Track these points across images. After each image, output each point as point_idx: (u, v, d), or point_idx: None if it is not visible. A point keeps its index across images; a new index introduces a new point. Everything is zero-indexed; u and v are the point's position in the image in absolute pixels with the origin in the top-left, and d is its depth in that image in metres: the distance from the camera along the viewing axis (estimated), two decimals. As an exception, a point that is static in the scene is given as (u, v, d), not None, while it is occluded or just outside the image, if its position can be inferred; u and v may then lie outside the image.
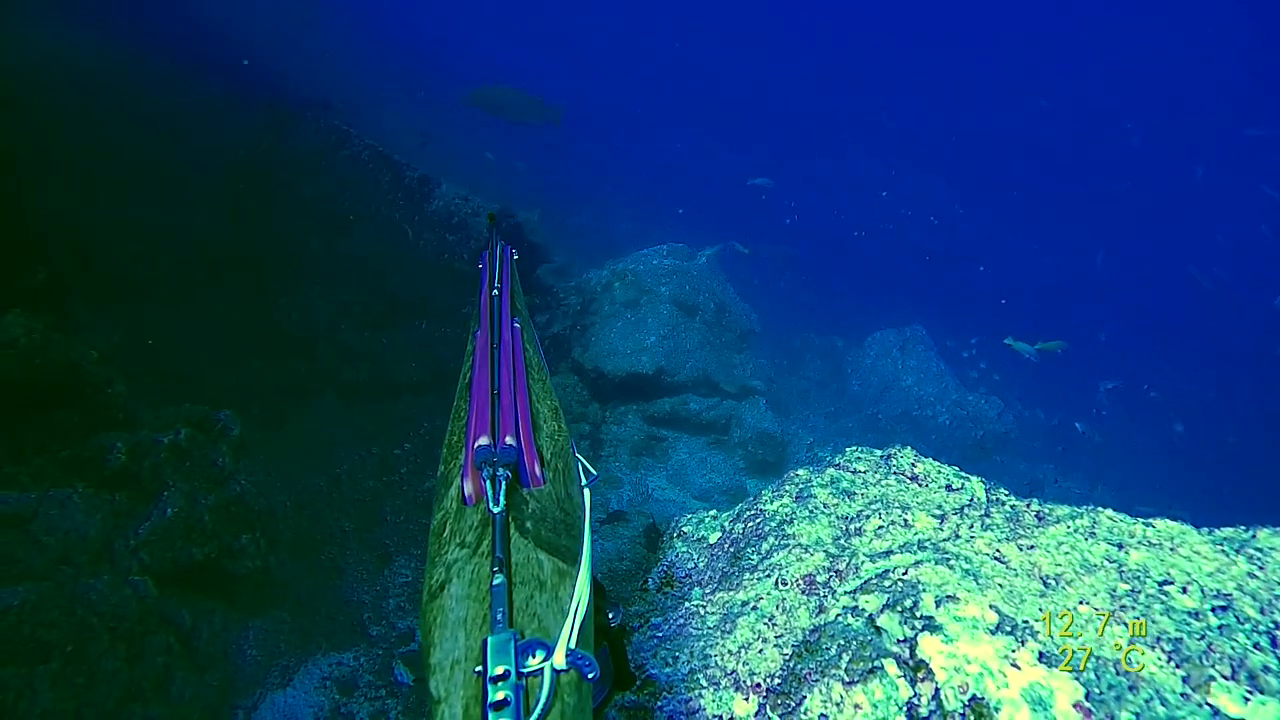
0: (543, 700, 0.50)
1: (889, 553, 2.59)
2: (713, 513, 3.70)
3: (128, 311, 7.63)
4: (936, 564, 2.33)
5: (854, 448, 3.77)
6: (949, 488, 3.16)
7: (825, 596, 2.43)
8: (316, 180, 9.80)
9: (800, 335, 14.53)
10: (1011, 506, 2.88)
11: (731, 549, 3.13)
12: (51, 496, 3.42)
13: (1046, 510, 2.73)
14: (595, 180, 17.57)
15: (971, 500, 3.01)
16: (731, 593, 2.62)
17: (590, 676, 0.55)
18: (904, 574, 2.32)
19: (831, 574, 2.55)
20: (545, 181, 16.32)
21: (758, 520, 3.19)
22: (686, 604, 2.58)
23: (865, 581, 2.41)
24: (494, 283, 0.87)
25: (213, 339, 7.58)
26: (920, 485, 3.23)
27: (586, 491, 0.67)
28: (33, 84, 8.54)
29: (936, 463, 3.40)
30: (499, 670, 0.51)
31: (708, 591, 2.81)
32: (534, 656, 0.56)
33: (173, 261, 7.94)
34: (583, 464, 0.69)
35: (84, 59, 10.26)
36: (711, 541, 3.36)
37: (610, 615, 0.71)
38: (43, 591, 3.19)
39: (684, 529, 3.53)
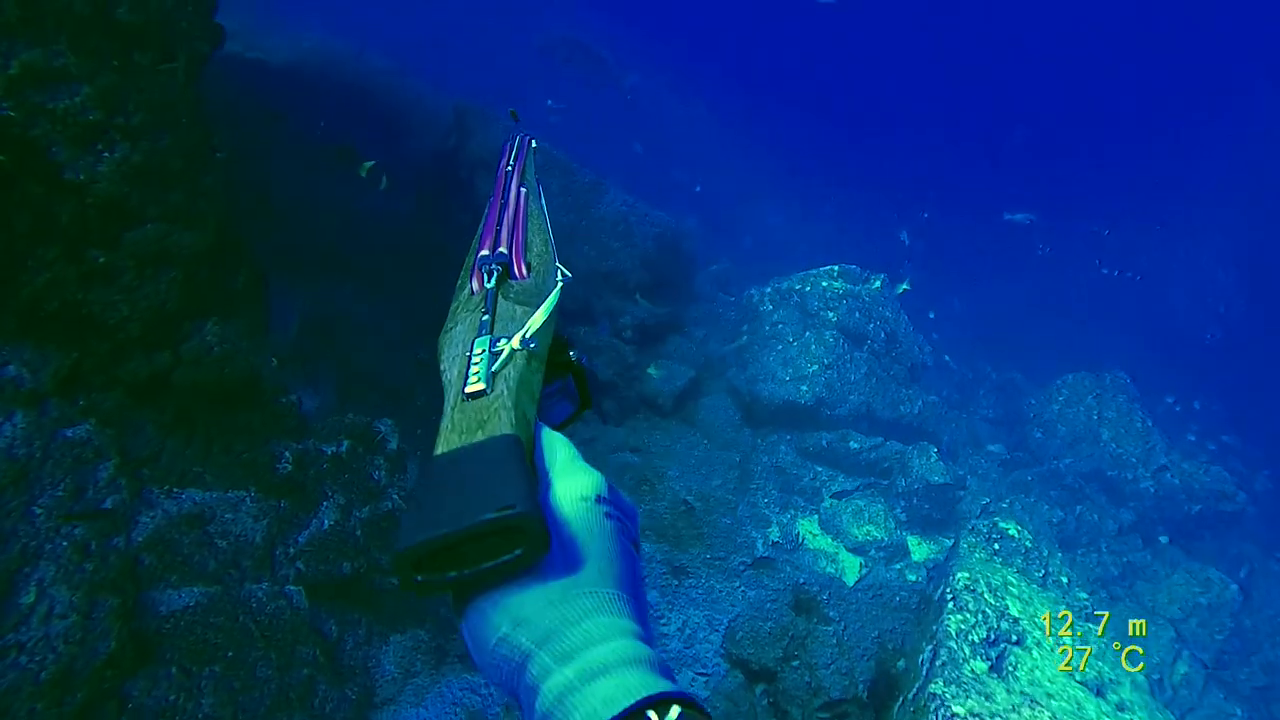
0: (501, 358, 0.70)
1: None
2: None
3: (318, 289, 8.22)
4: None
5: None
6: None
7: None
8: (492, 179, 10.11)
9: (973, 366, 13.26)
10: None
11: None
12: (228, 498, 3.59)
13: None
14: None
15: None
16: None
17: (533, 346, 0.73)
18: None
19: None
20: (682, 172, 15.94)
21: None
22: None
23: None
24: (509, 161, 1.04)
25: (390, 323, 7.98)
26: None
27: (560, 283, 0.91)
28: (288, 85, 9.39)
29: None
30: (478, 350, 0.71)
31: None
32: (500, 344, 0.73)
33: (367, 245, 8.42)
34: (562, 271, 0.95)
35: (319, 57, 11.24)
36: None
37: (573, 354, 0.89)
38: (213, 595, 3.34)
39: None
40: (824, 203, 16.96)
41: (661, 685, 0.50)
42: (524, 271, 0.86)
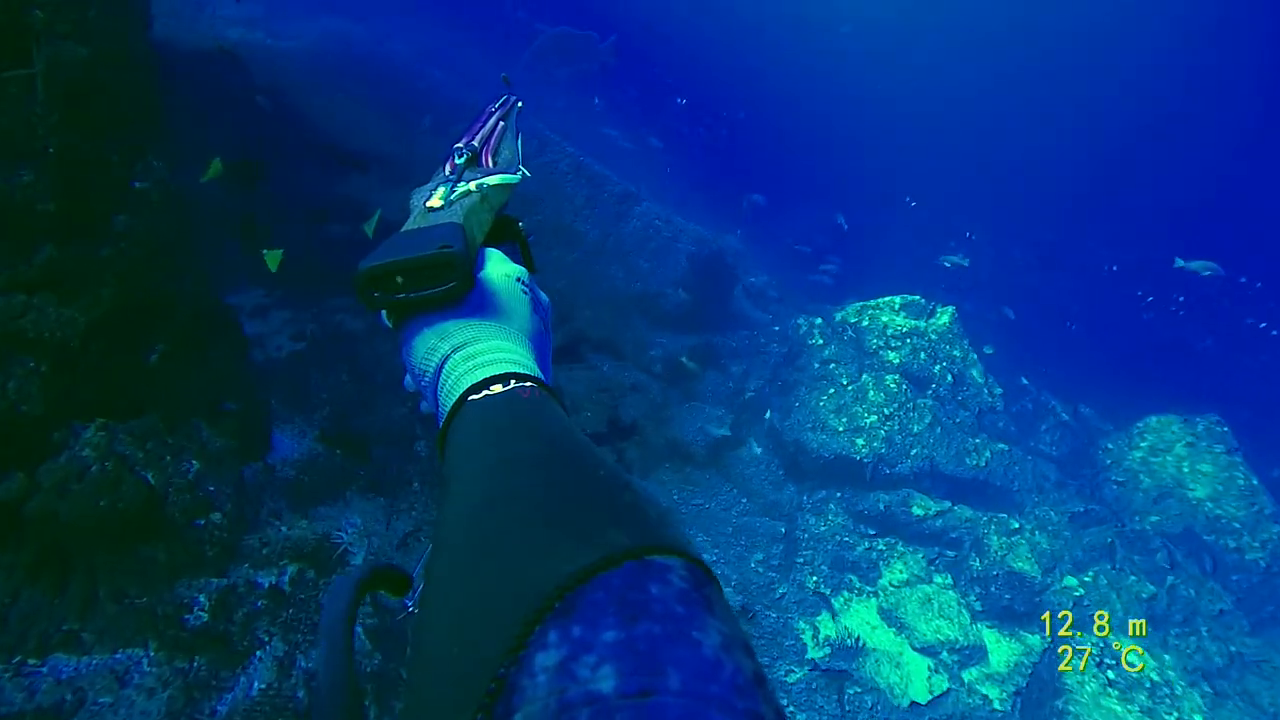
0: (459, 190, 0.81)
1: None
2: None
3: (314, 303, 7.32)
4: None
5: None
6: None
7: None
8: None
9: (1031, 396, 11.98)
10: None
11: None
12: (113, 665, 2.63)
13: None
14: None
15: None
16: None
17: (485, 189, 0.83)
18: None
19: None
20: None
21: None
22: None
23: None
24: (494, 107, 1.02)
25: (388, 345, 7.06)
26: None
27: (520, 174, 0.93)
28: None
29: None
30: (442, 189, 0.81)
31: None
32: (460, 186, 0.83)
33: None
34: (524, 170, 0.94)
35: (336, 44, 10.31)
36: None
37: (520, 224, 0.93)
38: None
39: None
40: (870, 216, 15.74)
41: (524, 371, 0.65)
42: (490, 163, 0.92)
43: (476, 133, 0.95)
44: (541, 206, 8.76)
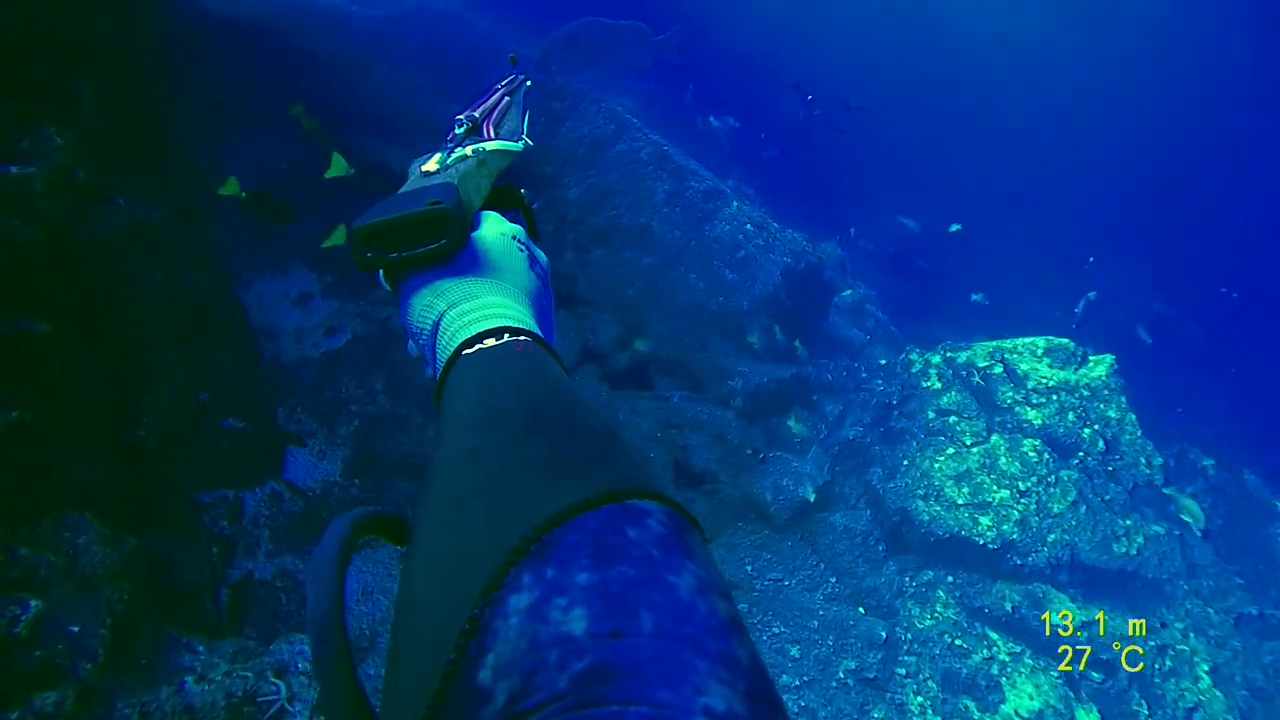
0: (455, 155, 0.80)
1: None
2: None
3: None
4: None
5: None
6: None
7: None
8: (586, 175, 7.95)
9: (1173, 449, 10.12)
10: None
11: None
12: None
13: None
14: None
15: None
16: None
17: (483, 155, 0.82)
18: None
19: None
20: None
21: None
22: None
23: None
24: (497, 87, 0.99)
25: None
26: None
27: (522, 143, 0.91)
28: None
29: None
30: (436, 158, 0.80)
31: None
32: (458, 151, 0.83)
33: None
34: (526, 140, 0.93)
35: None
36: None
37: (523, 191, 0.90)
38: None
39: None
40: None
41: (519, 326, 0.64)
42: (491, 134, 0.90)
43: (479, 106, 0.94)
44: (615, 201, 7.60)
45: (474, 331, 0.62)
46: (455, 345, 0.62)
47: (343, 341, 6.66)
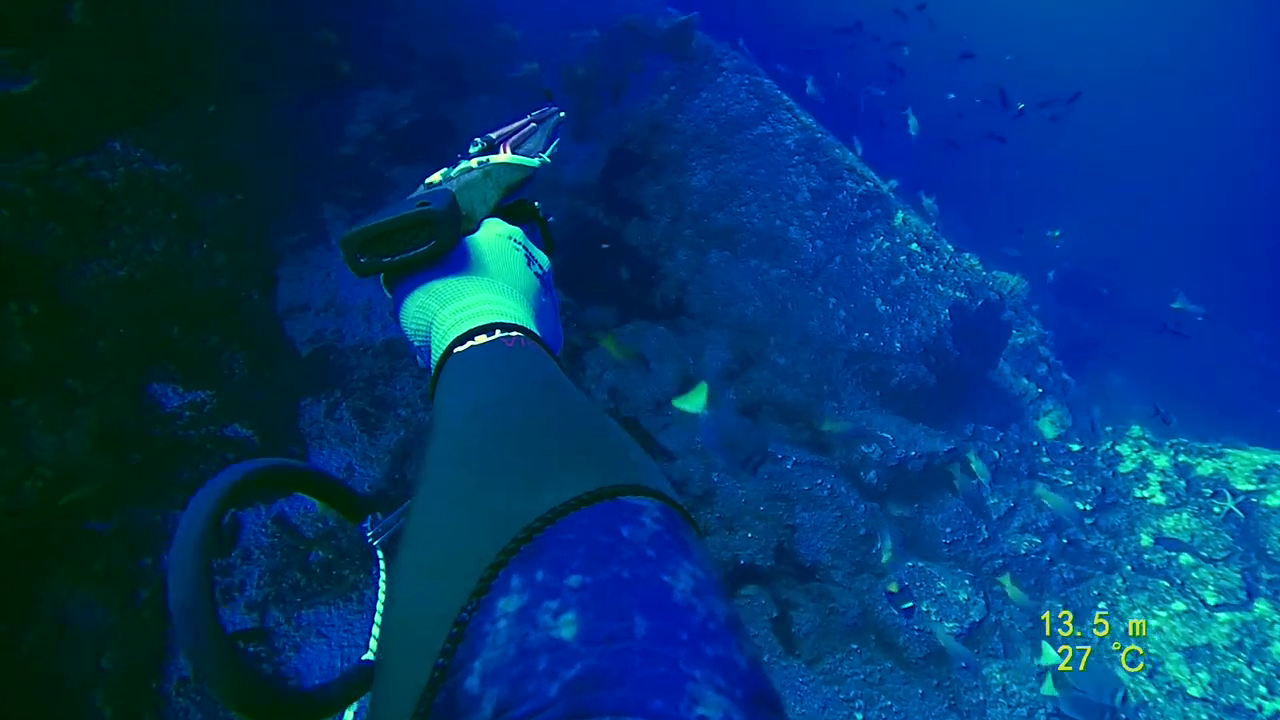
0: (460, 168, 0.79)
1: None
2: None
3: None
4: None
5: None
6: None
7: None
8: (717, 160, 6.47)
9: None
10: None
11: None
12: None
13: None
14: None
15: None
16: None
17: (488, 168, 0.80)
18: None
19: None
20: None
21: None
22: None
23: None
24: (530, 116, 1.00)
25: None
26: None
27: (539, 160, 0.90)
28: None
29: None
30: (442, 171, 0.78)
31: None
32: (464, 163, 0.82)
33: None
34: (543, 157, 0.92)
35: None
36: None
37: (537, 205, 0.88)
38: None
39: None
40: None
41: (510, 321, 0.62)
42: (506, 152, 0.89)
43: (500, 130, 0.94)
44: (746, 195, 6.10)
45: (465, 329, 0.61)
46: (447, 343, 0.60)
47: (389, 336, 5.63)
